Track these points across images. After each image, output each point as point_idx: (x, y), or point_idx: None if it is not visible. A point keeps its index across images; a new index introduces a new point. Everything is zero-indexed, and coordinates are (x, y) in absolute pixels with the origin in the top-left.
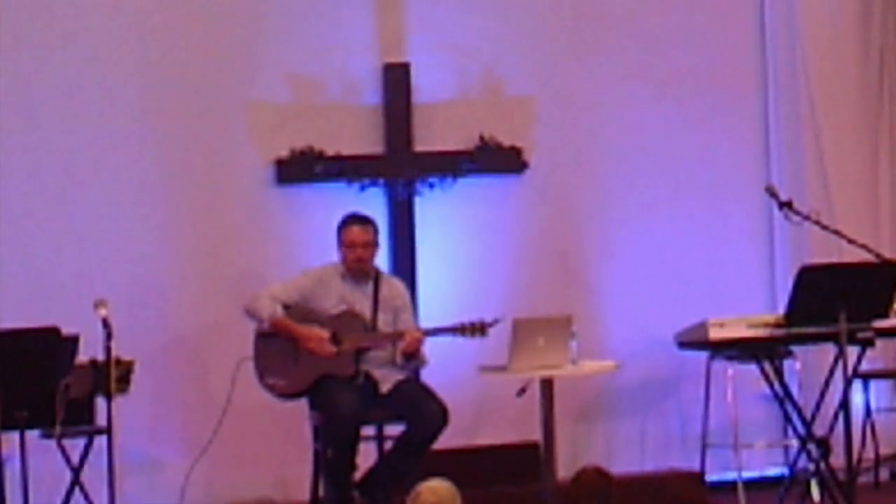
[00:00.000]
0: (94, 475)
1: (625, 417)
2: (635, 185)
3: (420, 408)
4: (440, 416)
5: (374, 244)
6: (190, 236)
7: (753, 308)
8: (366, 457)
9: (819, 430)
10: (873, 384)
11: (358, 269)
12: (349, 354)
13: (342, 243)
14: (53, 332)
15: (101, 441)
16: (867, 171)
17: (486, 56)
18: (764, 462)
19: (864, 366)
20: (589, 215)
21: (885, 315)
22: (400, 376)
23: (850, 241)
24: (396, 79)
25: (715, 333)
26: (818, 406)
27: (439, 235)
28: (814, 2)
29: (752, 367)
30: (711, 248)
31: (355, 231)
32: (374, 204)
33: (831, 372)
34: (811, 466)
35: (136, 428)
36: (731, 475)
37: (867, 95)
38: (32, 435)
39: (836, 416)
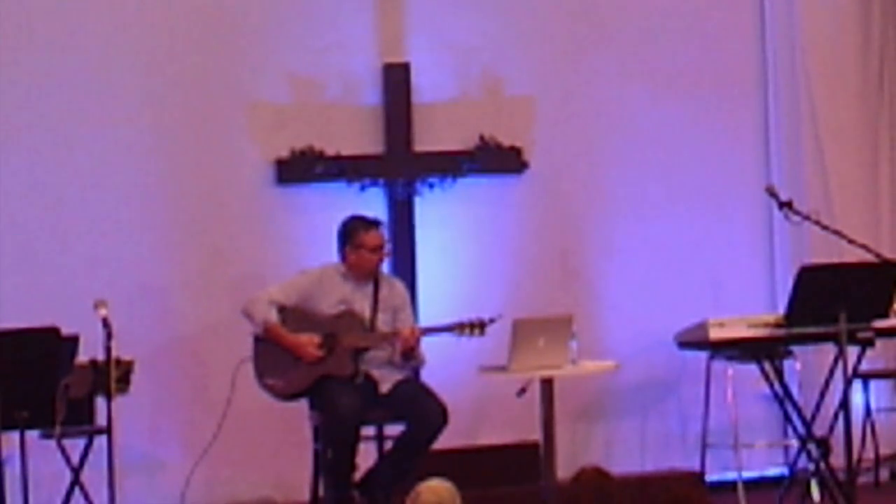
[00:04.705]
0: (94, 475)
1: (625, 417)
2: (635, 185)
3: (420, 408)
4: (440, 415)
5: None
6: (190, 236)
7: (753, 308)
8: (366, 457)
9: (819, 430)
10: (873, 384)
11: (373, 271)
12: (348, 354)
13: (361, 246)
14: (53, 332)
15: (101, 441)
16: (867, 171)
17: (486, 56)
18: (764, 462)
19: (864, 366)
20: (589, 215)
21: (885, 315)
22: (399, 376)
23: (850, 241)
24: (396, 79)
25: (715, 333)
26: (818, 406)
27: (439, 235)
28: (814, 2)
29: (752, 367)
30: (711, 248)
31: (378, 235)
32: (374, 204)
33: (831, 372)
34: (811, 466)
35: (136, 428)
36: (731, 475)
37: (867, 95)
38: (32, 435)
39: (836, 416)
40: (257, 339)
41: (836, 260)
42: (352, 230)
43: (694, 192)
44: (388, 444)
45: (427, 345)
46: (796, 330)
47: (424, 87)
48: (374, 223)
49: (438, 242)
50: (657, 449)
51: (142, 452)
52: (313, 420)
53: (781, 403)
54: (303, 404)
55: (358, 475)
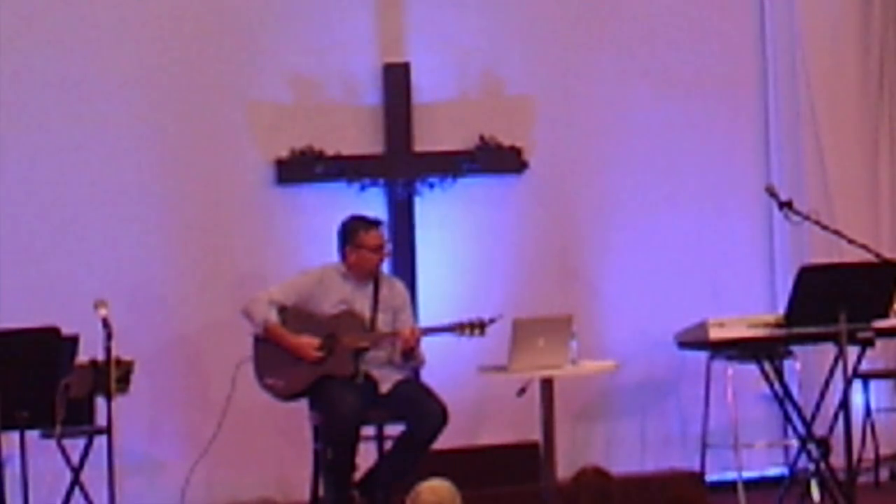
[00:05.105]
0: (94, 475)
1: (625, 417)
2: (635, 185)
3: (420, 407)
4: (440, 415)
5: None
6: (190, 236)
7: (753, 308)
8: (366, 457)
9: (819, 430)
10: (873, 384)
11: (374, 271)
12: (348, 354)
13: (362, 246)
14: (53, 332)
15: (101, 441)
16: (867, 171)
17: (486, 56)
18: (764, 462)
19: (864, 366)
20: (589, 215)
21: (885, 315)
22: (399, 376)
23: (850, 241)
24: (396, 79)
25: (715, 333)
26: (818, 406)
27: (439, 235)
28: (814, 2)
29: (752, 367)
30: (711, 248)
31: (378, 235)
32: (374, 204)
33: (831, 372)
34: (811, 466)
35: (136, 428)
36: (731, 475)
37: (867, 95)
38: (32, 435)
39: (836, 416)
40: (257, 339)
41: (836, 260)
42: (352, 230)
43: (694, 192)
44: (388, 444)
45: (427, 345)
46: (796, 330)
47: (424, 87)
48: (374, 223)
49: (438, 242)
50: (657, 449)
51: (142, 452)
52: (313, 420)
53: (781, 403)
54: (303, 404)
55: (358, 475)
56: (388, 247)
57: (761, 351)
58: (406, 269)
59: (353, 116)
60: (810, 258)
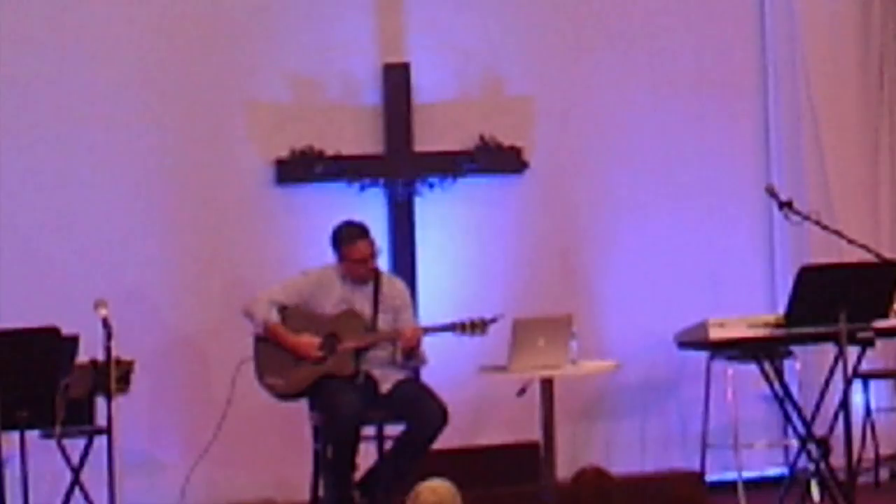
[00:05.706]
0: (94, 475)
1: (625, 417)
2: (635, 184)
3: (420, 407)
4: (440, 415)
5: (378, 250)
6: (190, 236)
7: (753, 308)
8: (366, 457)
9: (819, 430)
10: (873, 384)
11: (364, 278)
12: (349, 354)
13: (347, 258)
14: (53, 332)
15: (101, 441)
16: (867, 171)
17: (486, 56)
18: (764, 462)
19: (864, 366)
20: (589, 215)
21: (885, 315)
22: (400, 376)
23: (850, 241)
24: (396, 79)
25: (715, 333)
26: (818, 406)
27: (439, 235)
28: (814, 2)
29: (752, 367)
30: (711, 248)
31: (363, 247)
32: (374, 204)
33: (831, 372)
34: (811, 466)
35: (136, 428)
36: (731, 475)
37: (867, 95)
38: (32, 435)
39: (836, 416)
40: (258, 339)
41: (836, 260)
42: (339, 240)
43: (694, 192)
44: (388, 444)
45: (427, 344)
46: (796, 330)
47: (424, 87)
48: (360, 234)
49: (438, 242)
50: (657, 449)
51: (142, 452)
52: (313, 420)
53: (781, 403)
54: (303, 404)
55: (358, 475)
56: (379, 252)
57: (761, 351)
58: (406, 269)
59: (353, 116)
60: (810, 258)
